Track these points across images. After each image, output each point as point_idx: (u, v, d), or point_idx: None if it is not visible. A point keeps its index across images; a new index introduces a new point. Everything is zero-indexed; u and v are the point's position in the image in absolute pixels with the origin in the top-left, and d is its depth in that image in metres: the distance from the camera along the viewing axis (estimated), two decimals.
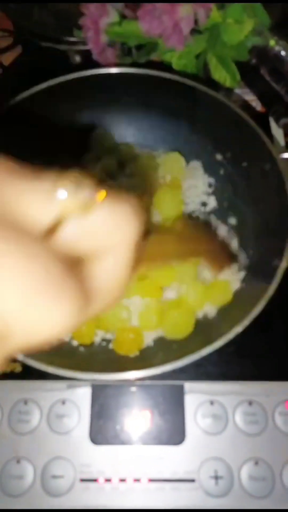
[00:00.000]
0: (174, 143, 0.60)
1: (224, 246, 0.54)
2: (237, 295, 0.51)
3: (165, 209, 0.55)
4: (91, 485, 0.46)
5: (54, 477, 0.46)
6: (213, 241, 0.51)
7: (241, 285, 0.51)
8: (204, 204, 0.59)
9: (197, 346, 0.42)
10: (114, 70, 0.55)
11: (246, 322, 0.42)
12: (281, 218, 0.48)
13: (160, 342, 0.50)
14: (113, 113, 0.60)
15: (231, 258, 0.54)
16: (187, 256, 0.42)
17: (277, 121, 0.61)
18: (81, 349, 0.50)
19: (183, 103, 0.56)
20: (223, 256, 0.50)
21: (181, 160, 0.59)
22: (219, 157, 0.59)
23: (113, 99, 0.58)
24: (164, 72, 0.55)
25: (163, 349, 0.49)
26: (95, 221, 0.20)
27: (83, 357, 0.49)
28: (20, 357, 0.42)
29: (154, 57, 0.60)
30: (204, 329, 0.49)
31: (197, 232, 0.47)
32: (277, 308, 0.44)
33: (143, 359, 0.48)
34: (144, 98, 0.58)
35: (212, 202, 0.58)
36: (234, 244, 0.55)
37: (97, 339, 0.51)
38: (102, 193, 0.21)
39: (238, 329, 0.42)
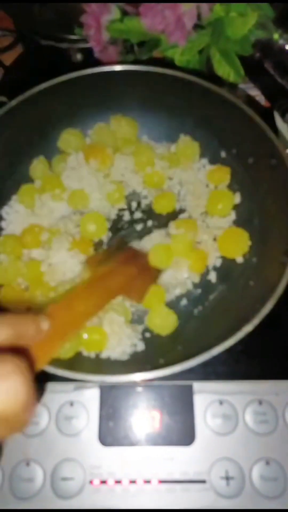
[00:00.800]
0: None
1: (142, 270, 0.50)
2: (245, 293, 0.50)
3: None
4: (101, 486, 0.45)
5: (64, 479, 0.45)
6: (130, 268, 0.48)
7: (249, 283, 0.51)
8: None
9: (206, 345, 0.41)
10: (116, 68, 0.55)
11: (256, 321, 0.41)
12: (287, 213, 0.47)
13: (167, 343, 0.50)
14: (116, 110, 0.59)
15: (154, 276, 0.52)
16: (99, 308, 0.41)
17: (282, 115, 0.60)
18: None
19: (187, 100, 0.56)
20: (144, 281, 0.49)
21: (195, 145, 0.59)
22: (223, 154, 0.58)
23: (115, 97, 0.58)
24: (167, 68, 0.54)
25: (170, 350, 0.49)
26: None
27: (91, 359, 0.48)
28: None
29: (156, 53, 0.60)
30: (213, 328, 0.48)
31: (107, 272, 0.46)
32: (285, 306, 0.43)
33: (151, 361, 0.47)
34: (147, 95, 0.58)
35: None
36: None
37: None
38: None
39: (248, 328, 0.41)
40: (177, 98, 0.56)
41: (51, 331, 0.32)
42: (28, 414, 0.26)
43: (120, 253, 0.51)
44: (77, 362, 0.47)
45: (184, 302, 0.53)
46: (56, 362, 0.41)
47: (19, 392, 0.25)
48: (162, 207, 0.57)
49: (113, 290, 0.44)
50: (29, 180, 0.58)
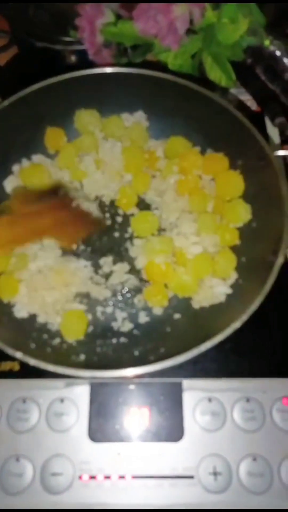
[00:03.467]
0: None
1: (77, 216, 0.51)
2: (234, 291, 0.51)
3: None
4: (90, 482, 0.46)
5: (54, 474, 0.46)
6: (61, 213, 0.49)
7: (238, 282, 0.51)
8: None
9: (194, 342, 0.42)
10: (109, 69, 0.56)
11: (244, 317, 0.42)
12: (275, 214, 0.48)
13: (158, 339, 0.51)
14: (108, 112, 0.60)
15: (91, 225, 0.53)
16: (27, 238, 0.43)
17: (272, 120, 0.62)
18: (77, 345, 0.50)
19: (177, 102, 0.57)
20: (76, 227, 0.50)
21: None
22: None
23: (108, 99, 0.59)
24: (159, 71, 0.55)
25: (160, 347, 0.49)
26: None
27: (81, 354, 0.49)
28: (19, 356, 0.42)
29: (149, 57, 0.61)
30: (201, 325, 0.49)
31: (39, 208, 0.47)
32: (273, 304, 0.44)
33: (141, 357, 0.48)
34: (138, 97, 0.59)
35: None
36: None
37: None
38: None
39: (236, 324, 0.42)
40: (168, 101, 0.57)
41: None
42: None
43: (54, 197, 0.52)
44: (66, 358, 0.48)
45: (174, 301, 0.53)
46: (46, 358, 0.42)
47: None
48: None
49: (39, 230, 0.45)
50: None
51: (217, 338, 0.42)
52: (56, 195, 0.53)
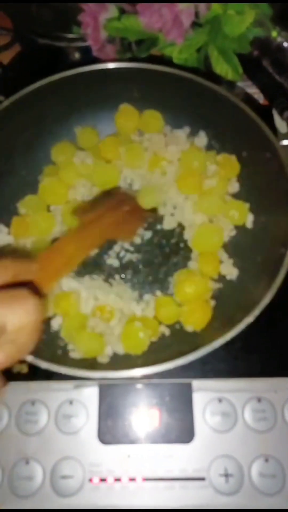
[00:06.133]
0: None
1: (133, 211, 0.53)
2: (245, 286, 0.51)
3: None
4: (101, 484, 0.45)
5: (64, 477, 0.45)
6: (118, 212, 0.51)
7: (248, 276, 0.51)
8: None
9: (206, 340, 0.42)
10: (113, 65, 0.55)
11: (256, 312, 0.42)
12: (283, 206, 0.48)
13: (168, 339, 0.50)
14: (113, 108, 0.59)
15: (142, 216, 0.55)
16: (89, 248, 0.46)
17: (281, 113, 0.60)
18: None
19: (183, 97, 0.56)
20: (133, 221, 0.53)
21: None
22: (217, 146, 0.58)
23: (113, 95, 0.58)
24: (164, 66, 0.54)
25: (170, 346, 0.49)
26: None
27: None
28: (28, 358, 0.42)
29: (154, 51, 0.60)
30: (216, 320, 0.49)
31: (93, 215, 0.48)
32: (283, 303, 0.44)
33: (150, 357, 0.47)
34: (144, 92, 0.58)
35: None
36: None
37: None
38: None
39: (249, 319, 0.42)
40: (174, 95, 0.56)
41: (43, 272, 0.37)
42: (36, 335, 0.31)
43: (108, 199, 0.53)
44: (75, 359, 0.47)
45: None
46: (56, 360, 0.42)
47: (33, 313, 0.30)
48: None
49: (102, 233, 0.47)
50: None
51: (229, 334, 0.41)
52: (109, 196, 0.56)
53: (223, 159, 0.57)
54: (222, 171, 0.57)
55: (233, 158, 0.57)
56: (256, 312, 0.42)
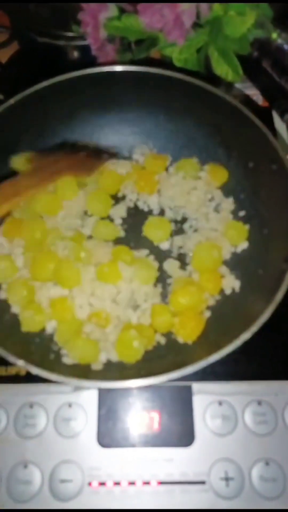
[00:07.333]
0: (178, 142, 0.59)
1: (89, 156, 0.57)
2: (244, 299, 0.50)
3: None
4: (100, 488, 0.45)
5: (62, 481, 0.45)
6: (75, 156, 0.55)
7: (248, 289, 0.50)
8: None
9: (205, 351, 0.41)
10: (116, 68, 0.54)
11: (254, 328, 0.41)
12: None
13: (163, 348, 0.50)
14: (115, 112, 0.59)
15: (99, 159, 0.57)
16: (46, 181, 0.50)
17: (281, 116, 0.60)
18: None
19: (187, 102, 0.55)
20: (88, 163, 0.56)
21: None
22: (223, 156, 0.57)
23: (114, 97, 0.57)
24: (166, 70, 0.53)
25: (165, 356, 0.48)
26: None
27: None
28: (19, 363, 0.41)
29: (154, 52, 0.59)
30: (213, 332, 0.48)
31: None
32: (284, 308, 0.43)
33: (144, 366, 0.47)
34: (146, 97, 0.57)
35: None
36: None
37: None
38: None
39: (246, 336, 0.41)
40: (176, 100, 0.56)
41: None
42: None
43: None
44: (75, 366, 0.47)
45: None
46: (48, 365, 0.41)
47: None
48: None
49: (58, 170, 0.52)
50: None
51: (226, 350, 0.41)
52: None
53: (211, 168, 0.57)
54: (210, 178, 0.57)
55: (220, 167, 0.56)
56: (254, 328, 0.41)
